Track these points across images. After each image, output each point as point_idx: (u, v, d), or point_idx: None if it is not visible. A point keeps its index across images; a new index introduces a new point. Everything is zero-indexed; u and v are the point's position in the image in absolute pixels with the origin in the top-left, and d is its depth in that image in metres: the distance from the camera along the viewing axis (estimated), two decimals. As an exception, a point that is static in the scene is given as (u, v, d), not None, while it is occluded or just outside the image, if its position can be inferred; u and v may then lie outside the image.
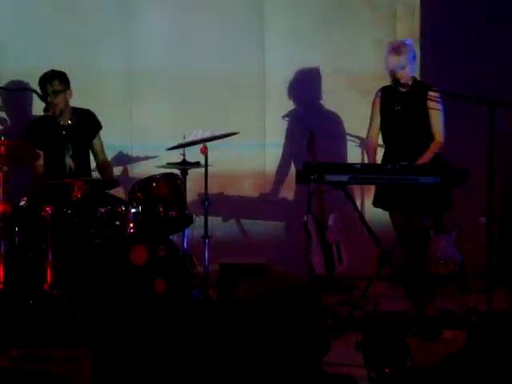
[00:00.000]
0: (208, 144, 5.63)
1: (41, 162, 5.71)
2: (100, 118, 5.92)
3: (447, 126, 5.54)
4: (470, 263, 6.32)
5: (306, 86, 6.85)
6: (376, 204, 5.61)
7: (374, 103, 5.63)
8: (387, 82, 5.56)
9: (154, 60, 6.61)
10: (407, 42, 5.58)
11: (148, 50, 6.61)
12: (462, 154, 6.06)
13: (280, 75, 6.78)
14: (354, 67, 6.77)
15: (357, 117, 6.48)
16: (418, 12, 6.89)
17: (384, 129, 5.61)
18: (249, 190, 6.84)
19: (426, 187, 5.21)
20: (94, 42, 6.51)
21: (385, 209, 5.61)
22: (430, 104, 5.48)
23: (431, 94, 5.45)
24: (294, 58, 6.79)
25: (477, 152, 5.72)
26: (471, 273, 6.28)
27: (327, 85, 6.83)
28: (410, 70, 5.50)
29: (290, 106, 6.83)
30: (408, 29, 6.84)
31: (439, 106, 5.50)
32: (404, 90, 5.48)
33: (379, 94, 5.60)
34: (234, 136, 5.76)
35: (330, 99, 6.83)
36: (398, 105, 5.52)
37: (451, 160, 5.44)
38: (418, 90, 5.49)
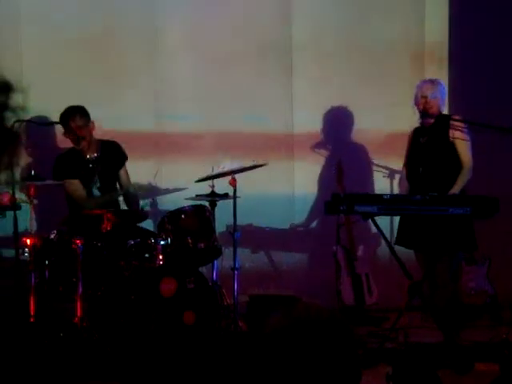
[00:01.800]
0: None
1: (79, 189, 5.75)
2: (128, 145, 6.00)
3: (476, 156, 5.54)
4: (503, 294, 6.25)
5: (334, 119, 6.86)
6: (399, 242, 5.64)
7: (407, 145, 5.71)
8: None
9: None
10: (441, 81, 5.73)
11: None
12: (492, 183, 6.02)
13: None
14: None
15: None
16: (446, 52, 6.90)
17: (409, 164, 5.66)
18: (278, 220, 6.84)
19: (451, 226, 5.19)
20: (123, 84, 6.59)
21: (407, 247, 5.63)
22: (455, 134, 5.50)
23: (454, 123, 5.48)
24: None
25: (508, 181, 5.68)
26: (504, 304, 6.21)
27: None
28: (441, 103, 5.56)
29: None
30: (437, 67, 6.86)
31: (465, 136, 5.51)
32: (429, 123, 5.55)
33: (411, 135, 5.71)
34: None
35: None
36: (423, 138, 5.59)
37: (482, 190, 5.41)
38: (441, 122, 5.53)
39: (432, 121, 5.58)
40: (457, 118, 5.55)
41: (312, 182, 6.86)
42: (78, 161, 5.77)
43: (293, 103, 6.82)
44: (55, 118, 5.81)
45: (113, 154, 5.92)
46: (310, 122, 6.83)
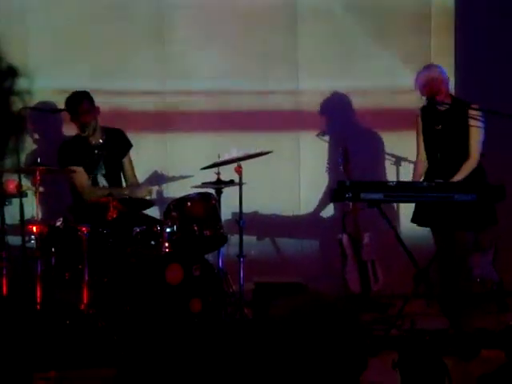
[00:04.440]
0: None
1: (82, 177, 5.75)
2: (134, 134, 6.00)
3: (486, 142, 5.51)
4: (509, 281, 6.24)
5: (340, 104, 6.84)
6: (414, 220, 5.61)
7: (417, 126, 5.64)
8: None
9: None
10: (437, 64, 5.66)
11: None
12: (501, 170, 6.00)
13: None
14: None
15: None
16: (452, 26, 6.85)
17: (426, 149, 5.61)
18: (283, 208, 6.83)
19: (467, 204, 5.16)
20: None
21: (423, 225, 5.60)
22: (471, 122, 5.45)
23: (472, 112, 5.41)
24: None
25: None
26: (510, 291, 6.21)
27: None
28: (447, 83, 5.50)
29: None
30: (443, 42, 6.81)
31: (480, 124, 5.47)
32: (442, 108, 5.47)
33: (419, 115, 5.61)
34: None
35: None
36: (438, 124, 5.51)
37: (490, 176, 5.40)
38: (458, 107, 5.46)
39: (443, 108, 5.49)
40: (475, 106, 5.45)
41: (318, 168, 6.84)
42: (82, 147, 5.79)
43: (298, 78, 6.79)
44: (60, 102, 5.83)
45: (117, 141, 5.93)
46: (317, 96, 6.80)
